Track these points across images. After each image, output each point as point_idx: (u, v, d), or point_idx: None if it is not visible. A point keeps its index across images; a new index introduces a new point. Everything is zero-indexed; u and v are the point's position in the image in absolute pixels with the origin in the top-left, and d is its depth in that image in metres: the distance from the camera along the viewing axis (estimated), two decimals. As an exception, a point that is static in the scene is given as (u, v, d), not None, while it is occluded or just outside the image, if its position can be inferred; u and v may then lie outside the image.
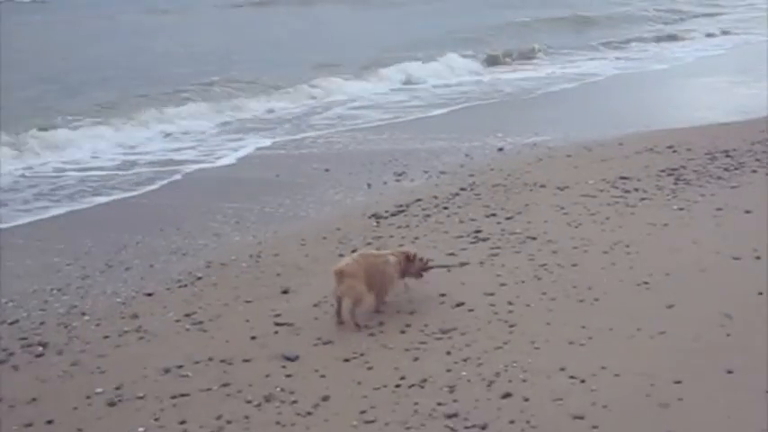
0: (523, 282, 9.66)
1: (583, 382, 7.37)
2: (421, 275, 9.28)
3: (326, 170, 17.67)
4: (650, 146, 16.68)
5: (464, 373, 7.71)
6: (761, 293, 8.69)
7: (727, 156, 15.16)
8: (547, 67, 32.50)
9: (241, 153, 20.07)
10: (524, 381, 7.50)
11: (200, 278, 11.15)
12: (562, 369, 7.58)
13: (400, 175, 16.65)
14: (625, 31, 40.78)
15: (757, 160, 14.54)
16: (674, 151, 16.04)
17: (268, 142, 20.94)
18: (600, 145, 17.75)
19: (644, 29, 41.83)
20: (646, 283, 9.32)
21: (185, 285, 10.95)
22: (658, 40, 38.32)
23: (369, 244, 11.84)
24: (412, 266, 9.15)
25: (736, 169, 14.12)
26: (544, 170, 15.66)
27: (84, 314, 10.06)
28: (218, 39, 42.52)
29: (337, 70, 30.76)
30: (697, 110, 21.85)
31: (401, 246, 10.86)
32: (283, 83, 28.41)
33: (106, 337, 9.31)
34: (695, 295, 8.86)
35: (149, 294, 10.71)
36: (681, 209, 11.90)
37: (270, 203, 15.08)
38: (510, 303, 9.12)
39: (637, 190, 13.20)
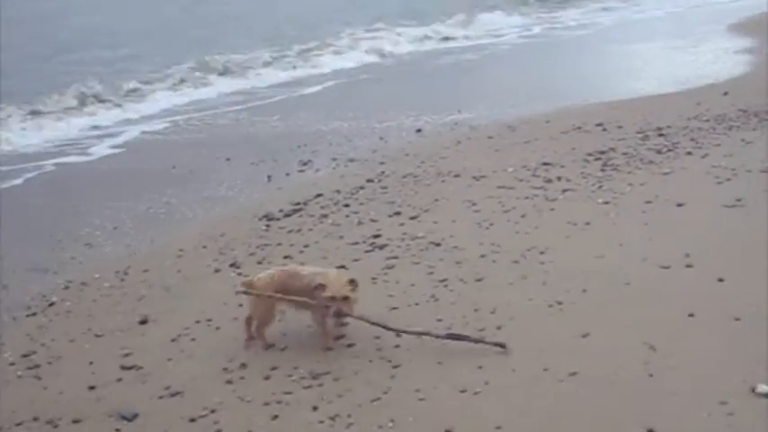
0: (417, 304, 8.14)
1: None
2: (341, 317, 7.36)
3: (228, 159, 15.95)
4: (579, 123, 15.29)
5: (328, 438, 6.16)
6: (691, 315, 7.22)
7: (660, 134, 13.82)
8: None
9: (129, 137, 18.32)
10: (401, 448, 5.98)
11: (52, 304, 9.52)
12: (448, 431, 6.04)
13: (305, 164, 15.07)
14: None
15: (692, 140, 13.19)
16: (604, 129, 14.67)
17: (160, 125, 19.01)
18: (525, 123, 16.33)
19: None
20: (559, 303, 7.86)
21: (34, 314, 9.34)
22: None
23: (251, 255, 10.21)
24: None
25: (669, 151, 12.76)
26: (462, 155, 14.20)
27: None
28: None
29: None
30: (631, 79, 20.48)
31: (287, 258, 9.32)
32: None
33: None
34: (615, 319, 7.41)
35: (-11, 326, 8.97)
36: (606, 202, 10.47)
37: (155, 202, 13.41)
38: (398, 335, 7.52)
39: (559, 179, 11.73)
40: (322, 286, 7.18)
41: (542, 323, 7.47)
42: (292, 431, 6.36)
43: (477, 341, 7.06)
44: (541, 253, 9.07)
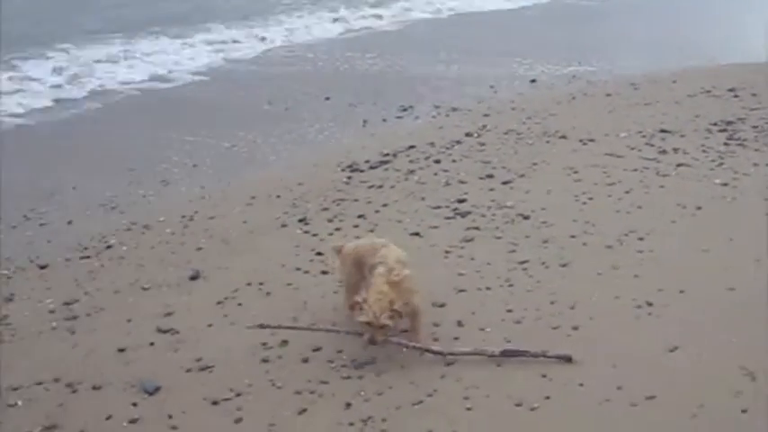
0: (489, 289, 7.23)
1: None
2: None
3: (327, 98, 15.20)
4: (708, 86, 13.81)
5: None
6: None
7: (804, 107, 12.19)
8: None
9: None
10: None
11: (109, 247, 9.05)
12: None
13: (405, 110, 14.19)
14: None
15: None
16: (736, 96, 13.16)
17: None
18: (650, 81, 14.92)
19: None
20: (649, 304, 6.82)
21: (88, 257, 8.88)
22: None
23: (323, 210, 9.48)
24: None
25: (812, 128, 11.19)
26: (573, 113, 13.02)
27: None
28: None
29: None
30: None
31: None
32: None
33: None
34: (711, 333, 6.30)
35: (42, 267, 8.60)
36: (724, 184, 9.19)
37: (240, 140, 12.79)
38: (460, 324, 6.65)
39: (676, 151, 10.47)
40: (358, 305, 6.08)
41: (626, 328, 6.43)
42: (317, 431, 5.55)
43: (537, 356, 6.08)
44: (640, 239, 7.97)
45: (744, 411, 5.31)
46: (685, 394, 5.52)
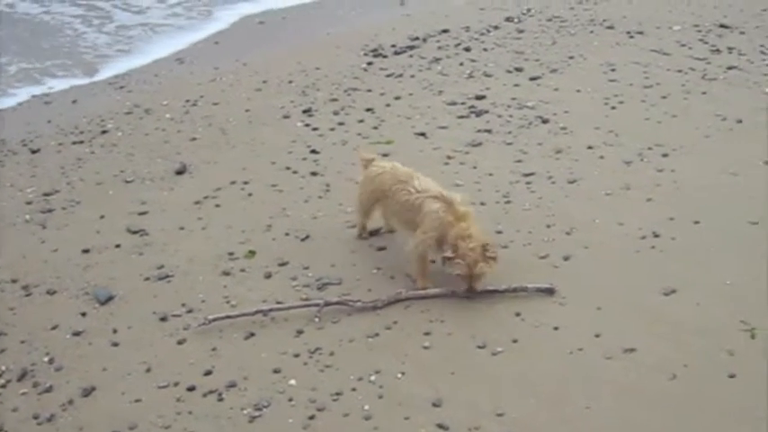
0: (483, 204, 6.60)
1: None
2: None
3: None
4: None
5: None
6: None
7: None
8: None
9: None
10: None
11: (105, 131, 8.64)
12: None
13: (455, -15, 13.11)
14: None
15: None
16: (817, -14, 11.75)
17: None
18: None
19: None
20: (656, 236, 6.11)
21: (81, 142, 8.71)
22: None
23: (332, 101, 8.82)
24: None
25: None
26: (629, -1, 11.81)
27: None
28: None
29: None
30: None
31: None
32: None
33: None
34: (717, 277, 5.56)
35: (34, 152, 8.46)
36: (778, 93, 8.14)
37: (273, 16, 12.03)
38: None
39: (730, 51, 9.43)
40: (449, 260, 5.35)
41: (622, 262, 5.72)
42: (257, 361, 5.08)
43: (516, 290, 5.44)
44: (664, 155, 7.16)
45: (731, 377, 4.62)
46: (670, 349, 4.85)
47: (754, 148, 7.14)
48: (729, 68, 8.85)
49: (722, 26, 10.10)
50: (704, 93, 8.33)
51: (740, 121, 7.65)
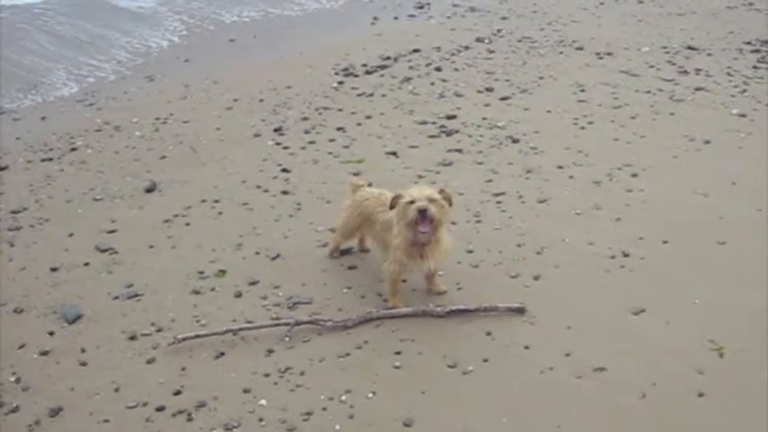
0: (453, 223, 6.51)
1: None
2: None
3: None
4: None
5: None
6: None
7: None
8: None
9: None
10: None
11: (74, 149, 8.58)
12: None
13: (421, 7, 13.37)
14: None
15: None
16: (780, 10, 11.97)
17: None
18: (693, -12, 13.70)
19: None
20: (625, 255, 6.16)
21: (50, 159, 8.55)
22: None
23: (303, 120, 8.81)
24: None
25: None
26: (597, 21, 12.09)
27: None
28: None
29: None
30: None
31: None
32: None
33: None
34: (685, 297, 5.60)
35: (2, 169, 8.30)
36: (742, 115, 8.33)
37: (241, 32, 12.02)
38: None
39: (698, 72, 9.55)
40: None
41: (592, 282, 5.75)
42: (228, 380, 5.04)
43: (487, 309, 5.46)
44: (633, 175, 7.22)
45: (700, 395, 4.64)
46: (639, 368, 4.87)
47: (723, 169, 7.22)
48: (697, 89, 8.96)
49: (690, 48, 10.23)
50: (672, 114, 8.42)
51: (708, 142, 7.74)
